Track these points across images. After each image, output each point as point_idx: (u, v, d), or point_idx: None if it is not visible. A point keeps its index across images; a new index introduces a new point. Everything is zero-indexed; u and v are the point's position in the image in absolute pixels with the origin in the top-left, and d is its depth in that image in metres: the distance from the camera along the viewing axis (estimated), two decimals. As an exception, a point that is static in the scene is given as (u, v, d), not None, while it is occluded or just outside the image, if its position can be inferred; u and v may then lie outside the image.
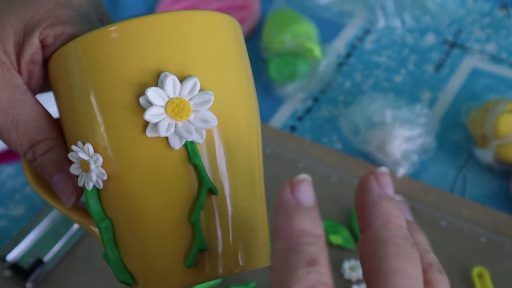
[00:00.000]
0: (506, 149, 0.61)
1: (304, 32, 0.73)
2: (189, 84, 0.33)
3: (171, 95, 0.33)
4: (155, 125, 0.33)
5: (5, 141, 0.38)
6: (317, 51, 0.72)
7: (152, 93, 0.33)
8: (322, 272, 0.27)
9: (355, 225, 0.59)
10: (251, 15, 0.80)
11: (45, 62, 0.38)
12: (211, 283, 0.55)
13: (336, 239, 0.59)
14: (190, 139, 0.33)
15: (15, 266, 0.58)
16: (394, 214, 0.30)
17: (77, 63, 0.35)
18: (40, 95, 0.39)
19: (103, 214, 0.36)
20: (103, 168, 0.34)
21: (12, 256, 0.58)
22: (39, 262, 0.58)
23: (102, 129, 0.34)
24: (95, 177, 0.34)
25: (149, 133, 0.33)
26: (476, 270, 0.56)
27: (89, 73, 0.34)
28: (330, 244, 0.59)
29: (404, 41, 0.77)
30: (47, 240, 0.59)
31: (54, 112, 0.39)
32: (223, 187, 0.35)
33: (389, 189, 0.31)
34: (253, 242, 0.36)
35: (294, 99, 0.72)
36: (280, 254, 0.28)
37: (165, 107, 0.33)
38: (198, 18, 0.35)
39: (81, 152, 0.34)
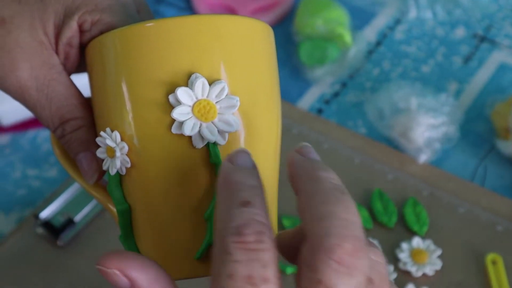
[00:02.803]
0: (527, 142, 0.63)
1: (336, 18, 0.75)
2: (217, 88, 0.35)
3: (199, 97, 0.35)
4: (181, 123, 0.34)
5: (38, 116, 0.40)
6: (347, 37, 0.74)
7: (181, 92, 0.34)
8: (256, 212, 0.29)
9: (374, 206, 0.61)
10: (285, -1, 0.82)
11: (81, 46, 0.39)
12: None
13: (355, 219, 0.61)
14: (213, 140, 0.35)
15: (47, 224, 0.61)
16: (319, 168, 0.31)
17: (113, 54, 0.36)
18: (74, 76, 0.41)
19: (123, 199, 0.37)
20: (128, 156, 0.36)
21: (44, 214, 0.61)
22: (70, 221, 0.61)
23: (131, 120, 0.36)
24: (119, 163, 0.36)
25: (174, 130, 0.35)
26: (490, 257, 0.57)
27: (123, 66, 0.36)
28: (349, 223, 0.61)
29: (434, 33, 0.78)
30: (78, 201, 0.62)
31: (86, 92, 0.40)
32: None
33: (312, 155, 0.32)
34: None
35: (322, 83, 0.74)
36: (218, 205, 0.30)
37: (192, 107, 0.35)
38: (233, 23, 0.36)
39: (109, 139, 0.36)
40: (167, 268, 0.35)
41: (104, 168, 0.37)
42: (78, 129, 0.39)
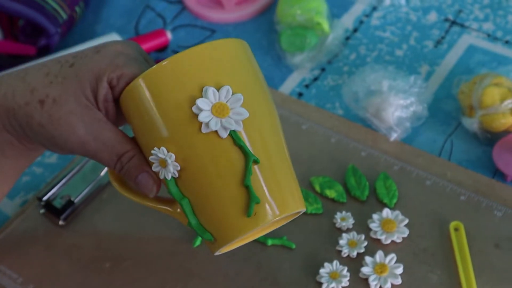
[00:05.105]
0: (489, 119, 0.68)
1: (314, 8, 0.80)
2: (224, 91, 0.47)
3: (213, 101, 0.47)
4: (207, 123, 0.47)
5: (99, 160, 0.51)
6: (325, 25, 0.79)
7: (200, 102, 0.47)
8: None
9: (348, 181, 0.67)
10: (267, -10, 0.87)
11: (115, 100, 0.51)
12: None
13: (331, 193, 0.66)
14: (232, 128, 0.47)
15: (49, 205, 0.66)
16: None
17: (141, 94, 0.48)
18: None
19: (181, 194, 0.49)
20: (176, 162, 0.48)
21: (47, 197, 0.67)
22: (70, 202, 0.66)
23: (170, 135, 0.48)
24: (172, 169, 0.48)
25: (204, 130, 0.47)
26: (453, 224, 0.63)
27: (152, 99, 0.48)
28: (325, 198, 0.66)
29: (408, 18, 0.83)
30: (77, 184, 0.68)
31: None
32: (262, 157, 0.48)
33: None
34: (289, 191, 0.50)
35: (302, 68, 0.79)
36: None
37: (211, 110, 0.47)
38: (223, 45, 0.49)
39: (160, 153, 0.48)
40: (228, 233, 0.49)
41: (161, 177, 0.49)
42: (132, 158, 0.51)
